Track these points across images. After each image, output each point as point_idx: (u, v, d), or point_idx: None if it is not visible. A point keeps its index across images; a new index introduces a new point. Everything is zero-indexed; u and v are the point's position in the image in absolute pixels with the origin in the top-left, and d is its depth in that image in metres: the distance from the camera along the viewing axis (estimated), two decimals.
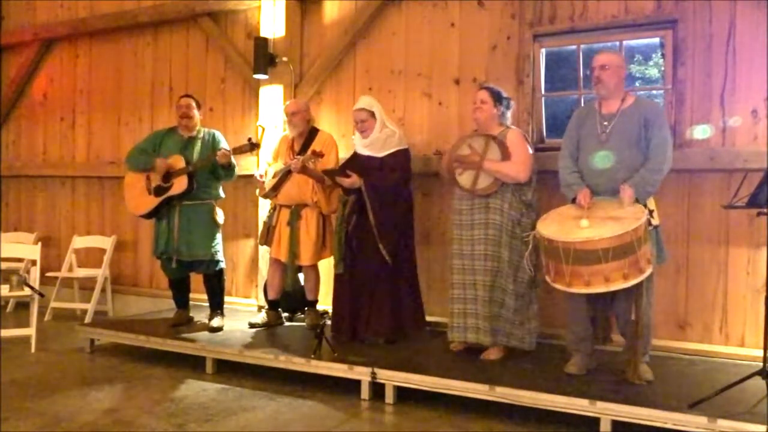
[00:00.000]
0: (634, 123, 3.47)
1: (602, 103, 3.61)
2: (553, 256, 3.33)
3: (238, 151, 4.53)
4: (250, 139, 4.54)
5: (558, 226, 3.39)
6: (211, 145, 4.73)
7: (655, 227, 3.44)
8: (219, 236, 4.77)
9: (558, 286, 3.36)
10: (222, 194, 4.86)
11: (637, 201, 3.37)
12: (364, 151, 4.40)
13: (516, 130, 4.02)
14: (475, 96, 4.06)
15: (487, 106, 3.97)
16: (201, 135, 4.78)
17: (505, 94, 4.06)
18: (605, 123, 3.54)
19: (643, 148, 3.46)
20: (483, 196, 3.90)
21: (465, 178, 3.93)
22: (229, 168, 4.64)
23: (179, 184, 4.57)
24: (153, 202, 4.65)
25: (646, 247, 3.23)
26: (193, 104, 4.80)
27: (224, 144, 4.78)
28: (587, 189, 3.49)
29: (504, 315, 3.86)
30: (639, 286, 3.31)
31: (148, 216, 4.76)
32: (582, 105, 3.85)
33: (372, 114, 4.34)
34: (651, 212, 3.41)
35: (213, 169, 4.65)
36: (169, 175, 4.61)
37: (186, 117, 4.73)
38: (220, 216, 4.75)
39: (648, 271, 3.24)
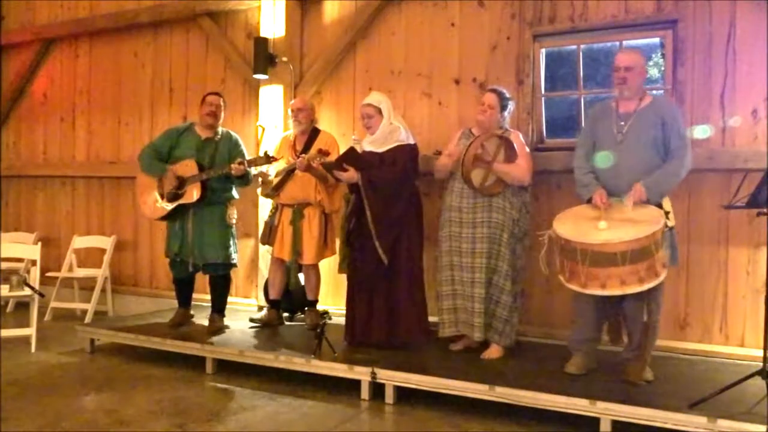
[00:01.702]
0: (650, 124, 3.43)
1: (620, 102, 3.57)
2: (569, 256, 3.30)
3: (253, 163, 4.46)
4: (266, 152, 4.47)
5: (574, 226, 3.36)
6: (229, 149, 4.66)
7: (670, 229, 3.42)
8: (232, 237, 4.70)
9: (573, 286, 3.33)
10: (236, 195, 4.78)
11: (648, 201, 3.36)
12: (367, 147, 4.30)
13: (518, 133, 4.08)
14: (482, 98, 4.08)
15: (493, 111, 4.00)
16: (219, 137, 4.70)
17: (509, 98, 4.09)
18: (621, 123, 3.50)
19: (660, 148, 3.42)
20: (487, 196, 3.92)
21: (475, 176, 3.93)
22: (244, 178, 4.56)
23: (191, 193, 4.51)
24: (166, 208, 4.61)
25: (662, 251, 3.21)
26: (222, 104, 4.74)
27: (243, 149, 4.73)
28: (603, 190, 3.46)
29: (499, 313, 3.92)
30: (651, 289, 3.29)
31: (160, 219, 4.73)
32: (598, 104, 3.80)
33: (379, 111, 4.27)
34: (667, 213, 3.39)
35: (227, 176, 4.55)
36: (182, 182, 4.56)
37: (212, 115, 4.65)
38: (232, 216, 4.67)
39: (663, 275, 3.21)
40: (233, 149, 4.69)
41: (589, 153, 3.61)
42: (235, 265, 4.74)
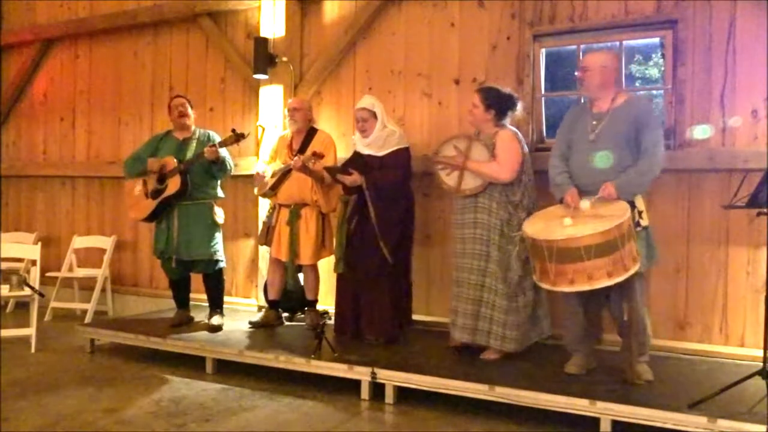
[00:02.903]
0: (624, 123, 3.45)
1: (593, 102, 3.60)
2: (538, 255, 3.33)
3: (224, 143, 4.54)
4: (234, 130, 4.54)
5: (543, 225, 3.40)
6: (206, 144, 4.71)
7: (645, 228, 3.43)
8: (219, 236, 4.78)
9: (543, 285, 3.37)
10: (221, 194, 4.87)
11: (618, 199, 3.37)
12: (365, 150, 4.40)
13: (507, 130, 3.96)
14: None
15: (477, 110, 3.97)
16: (196, 136, 4.80)
17: (506, 92, 4.01)
18: (594, 123, 3.53)
19: (633, 148, 3.43)
20: (470, 196, 3.91)
21: (450, 179, 3.97)
22: (220, 163, 4.61)
23: (173, 184, 4.59)
24: (151, 205, 4.68)
25: (630, 244, 3.22)
26: (187, 104, 4.82)
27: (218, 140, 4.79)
28: (575, 189, 3.49)
29: (495, 317, 3.84)
30: (631, 286, 3.31)
31: (148, 219, 4.78)
32: (575, 105, 3.84)
33: (373, 114, 4.34)
34: (640, 213, 3.40)
35: (207, 168, 4.65)
36: (163, 177, 4.65)
37: (183, 116, 4.75)
38: (219, 215, 4.77)
39: (633, 269, 3.22)
40: (210, 143, 4.75)
41: (564, 153, 3.65)
42: (221, 261, 4.79)
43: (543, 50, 4.60)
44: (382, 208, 4.21)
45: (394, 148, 4.32)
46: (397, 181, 4.27)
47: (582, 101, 4.46)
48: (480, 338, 3.89)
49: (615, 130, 3.46)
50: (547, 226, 3.36)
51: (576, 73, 3.61)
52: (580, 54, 4.47)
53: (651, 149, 3.39)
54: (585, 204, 3.38)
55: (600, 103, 3.56)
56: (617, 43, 4.37)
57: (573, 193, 3.47)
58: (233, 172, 4.91)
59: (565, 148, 3.65)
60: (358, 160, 4.40)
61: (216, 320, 4.71)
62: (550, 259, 3.24)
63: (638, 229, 3.36)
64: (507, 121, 4.03)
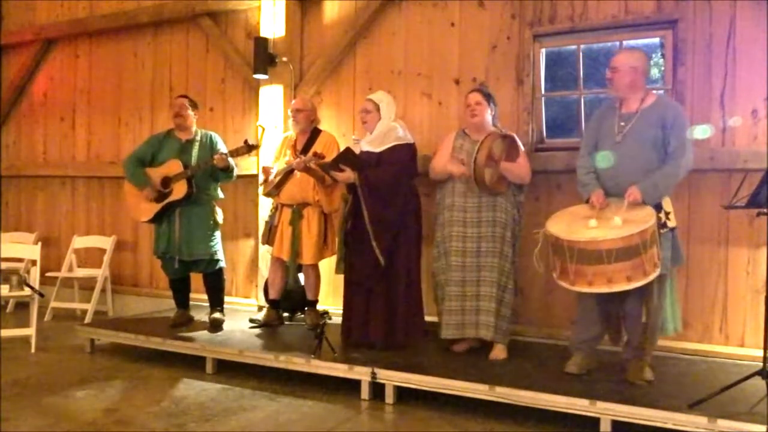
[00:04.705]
0: (651, 124, 3.40)
1: (622, 102, 3.55)
2: (559, 254, 3.34)
3: (235, 153, 4.54)
4: (246, 141, 4.54)
5: (567, 224, 3.39)
6: (209, 147, 4.75)
7: (672, 229, 3.42)
8: (218, 235, 4.80)
9: (563, 283, 3.37)
10: (221, 194, 4.89)
11: (644, 203, 3.35)
12: (366, 147, 4.28)
13: (513, 134, 4.08)
14: (468, 99, 4.06)
15: (482, 107, 4.00)
16: (198, 137, 4.80)
17: (491, 94, 4.11)
18: (622, 123, 3.48)
19: (660, 149, 3.39)
20: (492, 195, 3.93)
21: (488, 175, 3.90)
22: (228, 170, 4.66)
23: (179, 190, 4.59)
24: (154, 208, 4.68)
25: (653, 250, 3.20)
26: (187, 104, 4.81)
27: (222, 146, 4.81)
28: (601, 190, 3.46)
29: (503, 312, 3.92)
30: (650, 288, 3.30)
31: (152, 221, 4.79)
32: (605, 103, 3.79)
33: (377, 108, 4.26)
34: (668, 214, 3.39)
35: (212, 172, 4.66)
36: (167, 181, 4.64)
37: (179, 116, 4.75)
38: (219, 216, 4.80)
39: (653, 275, 3.21)
40: (214, 147, 4.78)
41: (591, 152, 3.60)
42: (221, 261, 4.81)
43: (543, 50, 4.60)
44: (376, 207, 4.08)
45: (392, 144, 4.19)
46: (393, 178, 4.10)
47: (582, 103, 4.47)
48: (488, 332, 3.90)
49: (642, 132, 3.41)
50: (570, 226, 3.35)
51: (606, 73, 3.56)
52: (581, 54, 4.48)
53: (678, 151, 3.35)
54: (617, 221, 3.25)
55: (629, 103, 3.51)
56: (617, 42, 4.37)
57: (599, 194, 3.44)
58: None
59: (592, 148, 3.60)
60: (350, 156, 4.17)
61: (217, 315, 4.74)
62: (571, 259, 3.24)
63: (665, 230, 3.35)
64: (498, 122, 4.13)
